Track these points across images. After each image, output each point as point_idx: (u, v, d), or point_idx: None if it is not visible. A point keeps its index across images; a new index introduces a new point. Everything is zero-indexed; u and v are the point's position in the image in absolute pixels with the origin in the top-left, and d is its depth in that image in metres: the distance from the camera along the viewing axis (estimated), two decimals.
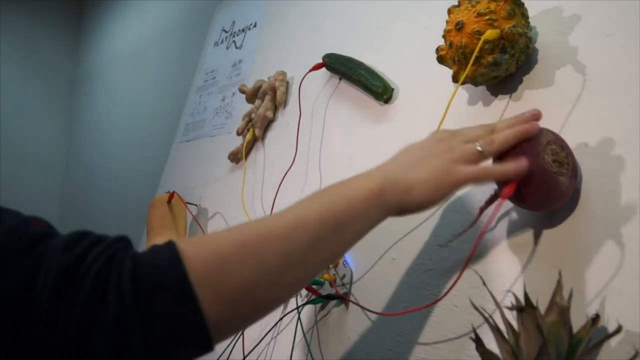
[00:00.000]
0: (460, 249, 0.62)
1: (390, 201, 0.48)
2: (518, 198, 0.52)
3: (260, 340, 0.84)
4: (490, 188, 0.55)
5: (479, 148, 0.51)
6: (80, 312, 0.36)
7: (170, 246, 0.40)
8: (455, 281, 0.55)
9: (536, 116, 0.53)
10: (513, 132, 0.51)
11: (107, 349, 0.36)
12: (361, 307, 0.71)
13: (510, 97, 0.64)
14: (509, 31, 0.58)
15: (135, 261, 0.39)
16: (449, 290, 0.56)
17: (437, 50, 0.66)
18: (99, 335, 0.36)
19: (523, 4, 0.61)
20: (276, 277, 0.43)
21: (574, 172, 0.51)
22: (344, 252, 0.50)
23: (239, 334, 0.84)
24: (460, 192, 0.65)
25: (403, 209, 0.49)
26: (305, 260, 0.44)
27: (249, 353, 0.83)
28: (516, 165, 0.50)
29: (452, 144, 0.51)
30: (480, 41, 0.59)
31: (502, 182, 0.52)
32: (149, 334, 0.37)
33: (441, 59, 0.67)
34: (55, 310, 0.36)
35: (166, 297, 0.38)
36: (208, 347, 0.40)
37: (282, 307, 0.84)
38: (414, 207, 0.49)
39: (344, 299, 0.74)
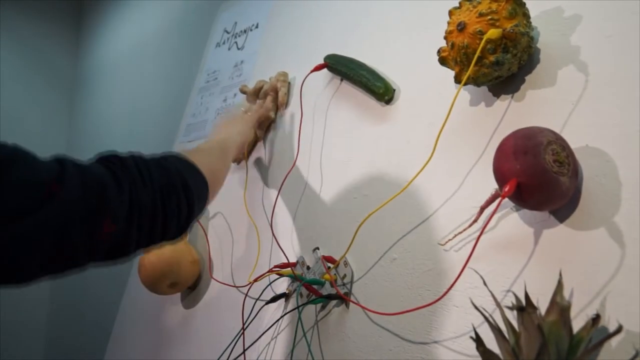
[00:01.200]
0: (460, 249, 0.62)
1: (230, 146, 0.89)
2: (518, 197, 0.52)
3: (258, 338, 0.84)
4: (491, 188, 0.55)
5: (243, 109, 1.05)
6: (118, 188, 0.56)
7: (185, 158, 0.68)
8: (455, 281, 0.55)
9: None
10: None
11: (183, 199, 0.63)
12: (362, 306, 0.71)
13: (512, 97, 0.65)
14: (511, 30, 0.58)
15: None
16: (448, 290, 0.56)
17: (439, 51, 0.67)
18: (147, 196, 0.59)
19: (524, 3, 0.61)
20: (218, 169, 0.77)
21: (575, 171, 0.52)
22: (228, 165, 0.85)
23: (240, 334, 0.84)
24: (461, 192, 0.65)
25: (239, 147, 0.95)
26: (222, 163, 0.82)
27: (250, 353, 0.83)
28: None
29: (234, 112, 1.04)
30: (483, 41, 0.59)
31: (502, 181, 0.53)
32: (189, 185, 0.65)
33: (443, 60, 0.67)
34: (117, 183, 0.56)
35: (193, 176, 0.67)
36: (207, 197, 0.69)
37: (282, 308, 0.84)
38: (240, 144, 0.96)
39: (344, 299, 0.74)
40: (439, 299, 0.58)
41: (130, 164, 0.60)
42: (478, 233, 0.53)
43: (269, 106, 1.07)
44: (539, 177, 0.50)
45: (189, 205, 0.64)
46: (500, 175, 0.53)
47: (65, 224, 0.50)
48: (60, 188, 0.49)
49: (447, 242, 0.64)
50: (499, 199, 0.52)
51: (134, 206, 0.57)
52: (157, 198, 0.60)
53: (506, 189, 0.51)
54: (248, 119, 1.00)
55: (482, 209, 0.56)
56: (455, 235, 0.62)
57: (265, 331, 0.84)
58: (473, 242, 0.54)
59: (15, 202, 0.47)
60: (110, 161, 0.59)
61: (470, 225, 0.58)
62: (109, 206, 0.54)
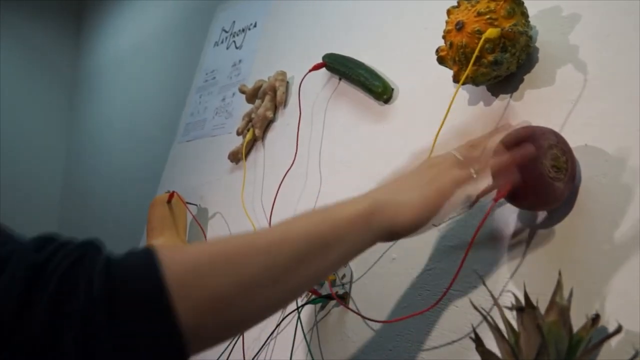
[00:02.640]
0: (460, 249, 0.62)
1: (379, 223, 0.48)
2: (512, 198, 0.53)
3: (263, 342, 0.84)
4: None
5: (474, 175, 0.51)
6: (46, 309, 0.35)
7: (148, 250, 0.39)
8: (452, 282, 0.55)
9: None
10: (502, 161, 0.51)
11: (74, 344, 0.35)
12: (360, 315, 0.71)
13: (511, 96, 0.64)
14: (510, 30, 0.58)
15: (108, 261, 0.38)
16: (445, 293, 0.56)
17: (437, 50, 0.66)
18: (65, 331, 0.35)
19: (523, 3, 0.61)
20: (256, 290, 0.41)
21: (572, 176, 0.52)
22: (328, 273, 0.50)
23: (239, 337, 0.84)
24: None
25: (393, 231, 0.49)
26: (287, 276, 0.43)
27: (249, 353, 0.83)
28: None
29: (433, 161, 0.52)
30: (481, 40, 0.59)
31: (498, 180, 0.53)
32: (117, 333, 0.36)
33: (441, 60, 0.67)
34: (20, 309, 0.35)
35: (138, 297, 0.37)
36: (180, 356, 0.38)
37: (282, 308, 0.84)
38: (404, 228, 0.49)
39: (340, 303, 0.73)
40: (435, 304, 0.58)
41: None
42: (476, 231, 0.53)
43: (268, 105, 1.06)
44: (534, 181, 0.50)
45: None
46: (497, 175, 0.53)
47: None
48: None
49: (441, 223, 0.64)
50: (493, 202, 0.52)
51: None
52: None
53: (500, 192, 0.51)
54: (457, 179, 0.51)
55: (478, 197, 0.56)
56: (450, 219, 0.62)
57: (269, 335, 0.83)
58: (474, 243, 0.54)
59: None
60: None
61: (465, 210, 0.59)
62: None
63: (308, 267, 0.44)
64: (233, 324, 0.43)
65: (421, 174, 0.51)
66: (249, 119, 1.10)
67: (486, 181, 0.52)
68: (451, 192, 0.49)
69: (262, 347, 0.84)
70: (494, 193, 0.53)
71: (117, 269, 0.37)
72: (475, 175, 0.51)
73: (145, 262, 0.38)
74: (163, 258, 0.38)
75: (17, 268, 0.36)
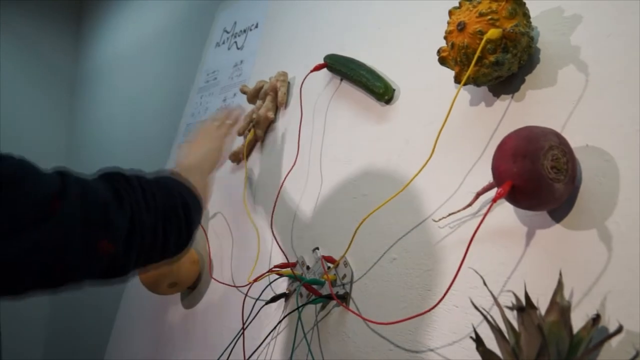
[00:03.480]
0: (460, 249, 0.62)
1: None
2: (512, 198, 0.53)
3: (262, 341, 0.84)
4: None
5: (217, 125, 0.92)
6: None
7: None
8: (452, 282, 0.55)
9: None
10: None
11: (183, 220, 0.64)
12: (357, 314, 0.71)
13: (512, 97, 0.65)
14: (511, 30, 0.58)
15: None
16: (445, 293, 0.56)
17: (439, 51, 0.67)
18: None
19: (524, 3, 0.61)
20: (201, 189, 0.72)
21: (572, 177, 0.52)
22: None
23: (240, 334, 0.84)
24: (461, 192, 0.65)
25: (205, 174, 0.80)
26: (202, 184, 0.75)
27: (250, 353, 0.83)
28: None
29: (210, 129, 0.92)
30: (483, 41, 0.59)
31: (498, 181, 0.53)
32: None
33: (443, 60, 0.67)
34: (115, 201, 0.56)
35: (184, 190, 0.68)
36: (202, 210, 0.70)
37: (282, 308, 0.84)
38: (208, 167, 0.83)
39: (340, 304, 0.73)
40: (436, 304, 0.58)
41: (135, 184, 0.60)
42: (477, 232, 0.53)
43: (269, 106, 1.06)
44: (534, 182, 0.50)
45: (188, 227, 0.65)
46: (497, 174, 0.53)
47: (64, 242, 0.50)
48: (62, 205, 0.49)
49: (440, 219, 0.65)
50: (492, 201, 0.52)
51: (134, 228, 0.56)
52: (158, 220, 0.60)
53: (500, 191, 0.51)
54: (219, 135, 0.91)
55: (478, 195, 0.57)
56: (450, 214, 0.62)
57: (268, 334, 0.84)
58: (474, 242, 0.54)
59: (17, 217, 0.47)
60: (114, 179, 0.60)
61: (464, 208, 0.59)
62: (109, 226, 0.53)
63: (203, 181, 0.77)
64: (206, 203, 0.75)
65: (205, 137, 0.88)
66: (250, 120, 1.10)
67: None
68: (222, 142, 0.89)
69: (263, 347, 0.84)
70: (493, 192, 0.53)
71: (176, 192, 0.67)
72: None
73: (186, 185, 0.70)
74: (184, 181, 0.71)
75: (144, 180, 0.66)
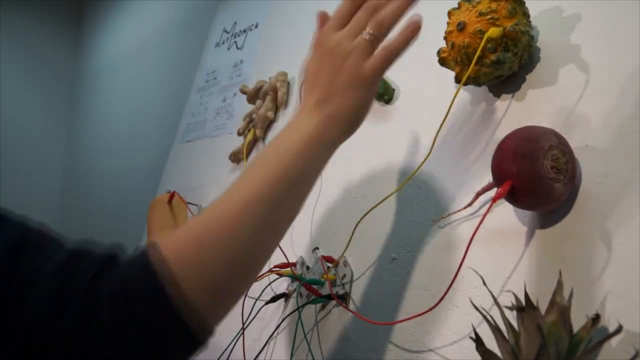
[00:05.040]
0: (460, 249, 0.62)
1: (329, 139, 0.52)
2: (511, 198, 0.53)
3: (262, 341, 0.84)
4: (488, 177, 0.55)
5: (367, 37, 0.53)
6: (68, 337, 0.38)
7: (143, 259, 0.42)
8: (452, 282, 0.55)
9: None
10: (395, 9, 0.54)
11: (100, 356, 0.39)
12: (356, 314, 0.71)
13: (512, 96, 0.65)
14: (512, 29, 0.58)
15: (112, 285, 0.41)
16: (445, 293, 0.56)
17: (439, 52, 0.67)
18: (91, 345, 0.39)
19: (524, 2, 0.61)
20: (248, 252, 0.45)
21: (572, 177, 0.52)
22: (304, 202, 0.51)
23: (240, 334, 0.84)
24: (460, 192, 0.65)
25: (344, 139, 0.54)
26: (271, 225, 0.47)
27: (249, 353, 0.83)
28: (408, 30, 0.54)
29: (344, 48, 0.53)
30: (484, 40, 0.59)
31: (498, 180, 0.53)
32: (137, 342, 0.40)
33: (443, 61, 0.67)
34: (50, 322, 0.38)
35: (146, 310, 0.40)
36: (196, 344, 0.43)
37: (282, 309, 0.84)
38: (351, 132, 0.54)
39: (339, 303, 0.73)
40: (436, 304, 0.58)
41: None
42: (477, 232, 0.53)
43: (269, 106, 1.06)
44: (533, 182, 0.50)
45: None
46: (497, 174, 0.53)
47: None
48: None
49: (440, 219, 0.65)
50: (491, 202, 0.53)
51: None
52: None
53: (500, 191, 0.51)
54: (372, 65, 0.53)
55: (478, 194, 0.57)
56: (450, 214, 0.63)
57: (270, 335, 0.84)
58: (474, 242, 0.54)
59: None
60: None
61: (464, 208, 0.59)
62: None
63: (285, 208, 0.48)
64: (240, 282, 0.47)
65: (341, 72, 0.52)
66: (249, 120, 1.10)
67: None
68: (375, 83, 0.54)
69: (262, 347, 0.84)
70: (493, 192, 0.53)
71: (121, 292, 0.40)
72: (368, 37, 0.53)
73: (144, 274, 0.41)
74: (156, 262, 0.41)
75: (49, 281, 0.40)
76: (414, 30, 0.54)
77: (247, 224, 0.45)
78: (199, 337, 0.42)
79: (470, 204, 0.58)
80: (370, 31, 0.53)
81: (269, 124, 1.09)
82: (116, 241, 0.45)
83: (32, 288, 0.39)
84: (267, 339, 0.83)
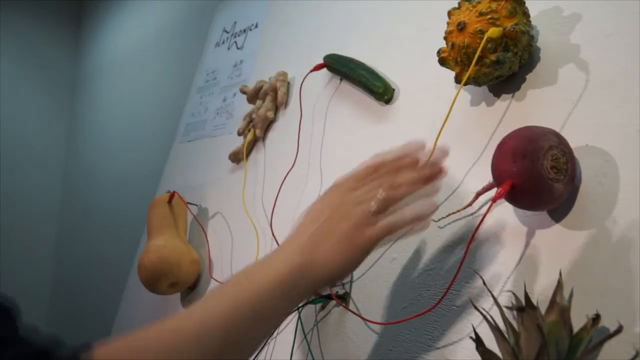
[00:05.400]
0: (460, 249, 0.62)
1: (307, 283, 0.49)
2: (511, 198, 0.53)
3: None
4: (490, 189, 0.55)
5: (372, 209, 0.51)
6: None
7: None
8: (452, 282, 0.55)
9: (420, 146, 0.55)
10: (412, 180, 0.53)
11: None
12: (360, 316, 0.71)
13: (512, 96, 0.65)
14: (512, 29, 0.58)
15: None
16: (445, 293, 0.56)
17: (439, 52, 0.67)
18: None
19: (524, 2, 0.61)
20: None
21: (572, 177, 0.52)
22: (262, 342, 0.49)
23: None
24: (460, 192, 0.65)
25: (318, 290, 0.51)
26: (222, 355, 0.44)
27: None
28: (413, 216, 0.52)
29: (346, 209, 0.52)
30: (484, 40, 0.59)
31: (498, 180, 0.53)
32: None
33: (443, 61, 0.67)
34: None
35: None
36: None
37: None
38: (333, 282, 0.52)
39: (339, 303, 0.73)
40: (436, 304, 0.58)
41: None
42: (477, 232, 0.53)
43: (269, 106, 1.06)
44: (533, 182, 0.50)
45: None
46: (497, 174, 0.53)
47: None
48: None
49: (440, 219, 0.65)
50: (491, 202, 0.53)
51: None
52: None
53: (500, 191, 0.51)
54: (376, 229, 0.52)
55: (478, 194, 0.57)
56: (450, 214, 0.63)
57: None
58: (474, 242, 0.54)
59: None
60: None
61: (464, 208, 0.59)
62: None
63: (242, 342, 0.45)
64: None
65: (340, 223, 0.51)
66: (249, 120, 1.10)
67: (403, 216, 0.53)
68: (369, 249, 0.51)
69: (262, 347, 0.84)
70: (493, 192, 0.53)
71: None
72: (373, 209, 0.51)
73: None
74: None
75: None
76: (422, 217, 0.53)
77: (197, 349, 0.43)
78: None
79: (470, 204, 0.58)
80: (382, 195, 0.52)
81: (268, 124, 1.09)
82: (54, 336, 0.43)
83: None
84: (266, 339, 0.83)
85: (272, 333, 0.47)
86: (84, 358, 0.40)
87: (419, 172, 0.54)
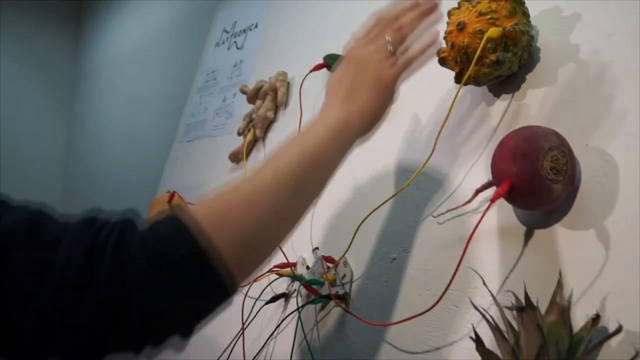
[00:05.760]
0: (460, 249, 0.62)
1: (350, 133, 0.57)
2: (510, 198, 0.53)
3: (262, 341, 0.84)
4: (490, 189, 0.55)
5: (386, 54, 0.60)
6: (106, 280, 0.41)
7: (174, 218, 0.45)
8: (450, 281, 0.55)
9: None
10: (412, 18, 0.62)
11: (134, 305, 0.41)
12: (359, 318, 0.71)
13: (512, 96, 0.65)
14: (511, 29, 0.58)
15: (143, 239, 0.43)
16: (444, 293, 0.56)
17: (439, 52, 0.67)
18: (126, 294, 0.41)
19: (524, 2, 0.61)
20: (274, 217, 0.50)
21: (571, 178, 0.52)
22: (325, 184, 0.56)
23: (240, 334, 0.84)
24: (460, 192, 0.65)
25: (363, 135, 0.60)
26: (296, 197, 0.52)
27: (249, 353, 0.83)
28: (426, 43, 0.62)
29: (365, 62, 0.61)
30: (484, 40, 0.59)
31: (497, 180, 0.53)
32: (176, 289, 0.43)
33: (443, 61, 0.67)
34: (82, 278, 0.40)
35: (181, 261, 0.43)
36: (225, 296, 0.47)
37: (282, 309, 0.84)
38: (370, 129, 0.61)
39: (338, 305, 0.73)
40: (436, 304, 0.58)
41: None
42: (476, 231, 0.53)
43: (269, 106, 1.06)
44: (533, 182, 0.50)
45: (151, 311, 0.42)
46: (496, 173, 0.53)
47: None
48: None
49: (439, 215, 0.65)
50: (489, 202, 0.53)
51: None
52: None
53: (499, 190, 0.51)
54: (393, 71, 0.60)
55: (477, 192, 0.57)
56: (449, 210, 0.63)
57: (269, 335, 0.83)
58: (473, 242, 0.54)
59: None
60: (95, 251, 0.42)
61: (463, 205, 0.59)
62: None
63: (308, 188, 0.53)
64: (263, 248, 0.51)
65: (364, 74, 0.60)
66: (249, 120, 1.10)
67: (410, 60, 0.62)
68: (394, 86, 0.61)
69: (262, 347, 0.84)
70: (493, 190, 0.53)
71: (155, 244, 0.43)
72: (392, 48, 0.60)
73: (176, 229, 0.44)
74: (188, 220, 0.44)
75: (73, 244, 0.42)
76: (431, 43, 0.62)
77: (275, 196, 0.50)
78: (229, 290, 0.46)
79: (469, 201, 0.58)
80: (389, 38, 0.60)
81: (268, 124, 1.09)
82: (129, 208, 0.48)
83: (55, 254, 0.41)
84: (267, 339, 0.83)
85: (330, 176, 0.56)
86: (181, 213, 0.45)
87: (414, 10, 0.62)
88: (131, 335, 0.43)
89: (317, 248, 0.82)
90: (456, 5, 0.65)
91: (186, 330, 0.47)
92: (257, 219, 0.48)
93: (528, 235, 0.56)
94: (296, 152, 0.54)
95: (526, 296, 0.46)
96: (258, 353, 0.84)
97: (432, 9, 0.62)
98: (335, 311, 0.76)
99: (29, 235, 0.41)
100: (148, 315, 0.43)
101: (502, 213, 0.59)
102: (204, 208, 0.47)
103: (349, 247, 0.74)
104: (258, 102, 1.10)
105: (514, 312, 0.45)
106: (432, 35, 0.62)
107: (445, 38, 0.65)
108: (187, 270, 0.43)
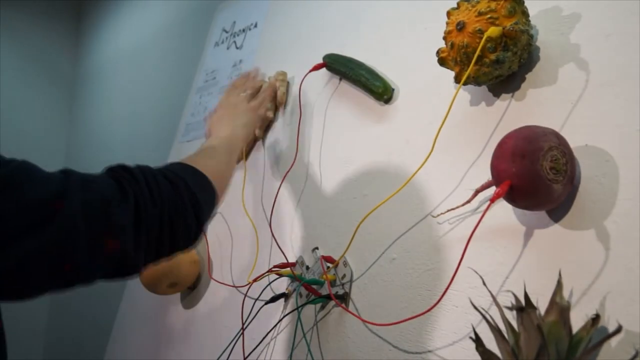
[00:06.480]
0: (459, 249, 0.62)
1: (239, 139, 0.95)
2: (510, 198, 0.53)
3: (261, 340, 0.84)
4: (490, 189, 0.55)
5: (246, 98, 1.03)
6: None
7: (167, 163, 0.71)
8: (450, 282, 0.55)
9: (253, 71, 1.09)
10: (258, 82, 1.08)
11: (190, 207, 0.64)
12: (355, 315, 0.71)
13: (512, 96, 0.65)
14: (511, 28, 0.58)
15: (153, 171, 0.65)
16: (444, 293, 0.56)
17: (438, 52, 0.66)
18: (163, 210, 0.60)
19: (523, 2, 0.61)
20: (223, 172, 0.81)
21: (571, 178, 0.52)
22: (234, 167, 0.88)
23: (240, 334, 0.84)
24: (460, 191, 0.65)
25: (247, 139, 1.01)
26: (227, 166, 0.84)
27: (249, 353, 0.83)
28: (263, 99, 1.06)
29: (234, 104, 1.01)
30: (483, 39, 0.59)
31: (497, 179, 0.53)
32: (195, 204, 0.65)
33: (442, 61, 0.67)
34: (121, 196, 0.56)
35: (197, 181, 0.69)
36: (217, 200, 0.72)
37: (282, 308, 0.84)
38: (250, 134, 1.03)
39: (338, 304, 0.73)
40: (435, 304, 0.58)
41: (139, 177, 0.59)
42: (475, 231, 0.53)
43: (268, 106, 1.06)
44: (532, 183, 0.50)
45: (197, 217, 0.64)
46: (496, 173, 0.53)
47: (69, 242, 0.49)
48: (64, 204, 0.49)
49: (439, 214, 0.65)
50: (489, 202, 0.53)
51: (140, 222, 0.55)
52: (164, 213, 0.59)
53: (498, 191, 0.51)
54: (252, 107, 1.01)
55: (477, 192, 0.57)
56: (448, 210, 0.63)
57: (266, 332, 0.83)
58: (473, 242, 0.54)
59: (18, 221, 0.46)
60: (118, 173, 0.59)
61: (463, 204, 0.59)
62: (112, 223, 0.52)
63: (230, 160, 0.86)
64: (224, 186, 0.80)
65: (235, 108, 1.00)
66: None
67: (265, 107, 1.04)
68: (252, 115, 1.01)
69: (262, 347, 0.84)
70: (492, 190, 0.53)
71: (170, 172, 0.65)
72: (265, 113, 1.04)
73: (178, 165, 0.70)
74: (181, 161, 0.72)
75: (146, 172, 0.62)
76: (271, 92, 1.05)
77: (221, 162, 0.82)
78: (217, 199, 0.73)
79: (469, 201, 0.58)
80: (245, 93, 1.03)
81: (268, 123, 1.09)
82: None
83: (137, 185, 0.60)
84: (266, 339, 0.83)
85: (235, 165, 0.89)
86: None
87: (254, 76, 1.08)
88: (189, 226, 0.63)
89: (317, 248, 0.82)
90: (455, 5, 0.65)
91: (207, 219, 0.69)
92: (217, 171, 0.75)
93: (528, 235, 0.56)
94: (222, 146, 0.86)
95: (526, 296, 0.46)
96: (257, 353, 0.84)
97: (256, 71, 1.09)
98: (335, 311, 0.76)
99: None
100: (197, 211, 0.64)
101: (502, 213, 0.59)
102: (195, 165, 0.70)
103: (348, 247, 0.74)
104: (264, 87, 1.10)
105: (514, 312, 0.45)
106: (264, 98, 1.05)
107: (444, 38, 0.65)
108: (208, 188, 0.69)
